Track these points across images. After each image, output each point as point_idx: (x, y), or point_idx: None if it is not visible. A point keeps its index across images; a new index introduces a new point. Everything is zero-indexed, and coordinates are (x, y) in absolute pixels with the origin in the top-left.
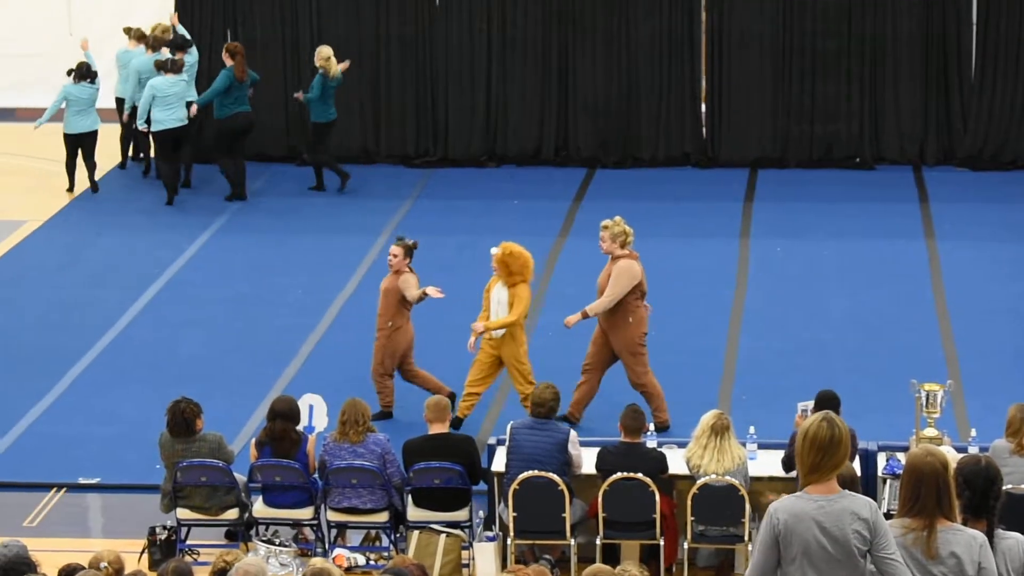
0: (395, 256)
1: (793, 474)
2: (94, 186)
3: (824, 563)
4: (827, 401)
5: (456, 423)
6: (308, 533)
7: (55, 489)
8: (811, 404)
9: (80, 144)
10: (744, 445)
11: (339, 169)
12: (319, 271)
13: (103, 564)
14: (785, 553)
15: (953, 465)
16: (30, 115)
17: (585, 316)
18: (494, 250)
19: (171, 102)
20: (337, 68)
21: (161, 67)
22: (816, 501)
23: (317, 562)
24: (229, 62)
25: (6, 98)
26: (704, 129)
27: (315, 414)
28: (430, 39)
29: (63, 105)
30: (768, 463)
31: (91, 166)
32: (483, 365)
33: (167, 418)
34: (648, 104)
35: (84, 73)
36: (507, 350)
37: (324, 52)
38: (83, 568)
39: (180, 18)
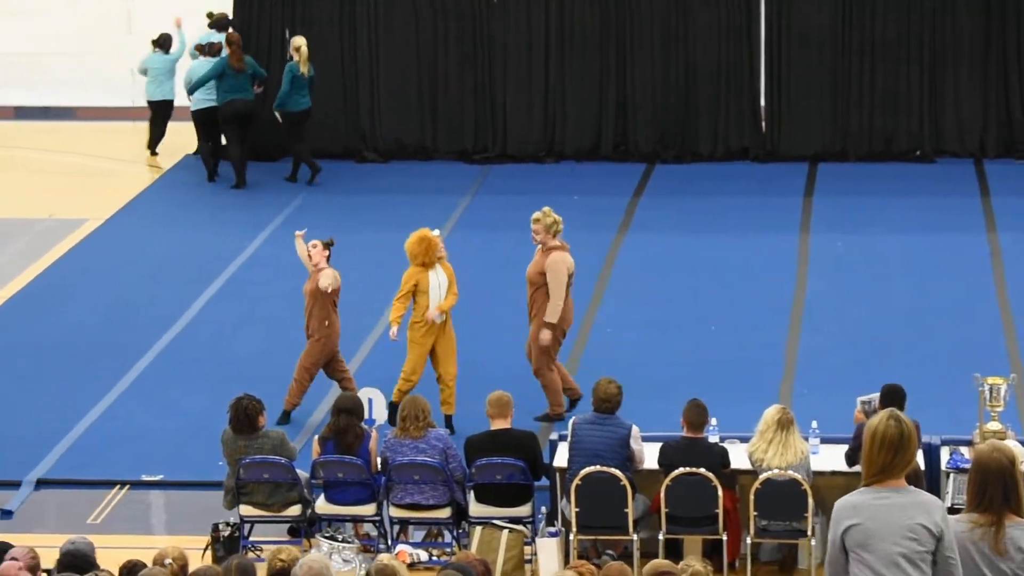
0: (315, 247)
1: (856, 468)
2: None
3: (887, 560)
4: (892, 394)
5: (448, 422)
6: (368, 529)
7: (118, 486)
8: (873, 397)
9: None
10: (806, 439)
11: (311, 161)
12: (377, 268)
13: (167, 561)
14: (849, 548)
15: (1020, 460)
16: (89, 114)
17: (550, 326)
18: (435, 232)
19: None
20: (307, 61)
21: (200, 50)
22: (879, 495)
23: (383, 558)
24: (225, 51)
25: (66, 97)
26: (763, 123)
27: (375, 407)
28: (488, 34)
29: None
30: (830, 457)
31: (158, 133)
32: (423, 354)
33: (230, 415)
34: (707, 99)
35: (160, 43)
36: (448, 328)
37: (295, 43)
38: (145, 565)
39: (238, 16)
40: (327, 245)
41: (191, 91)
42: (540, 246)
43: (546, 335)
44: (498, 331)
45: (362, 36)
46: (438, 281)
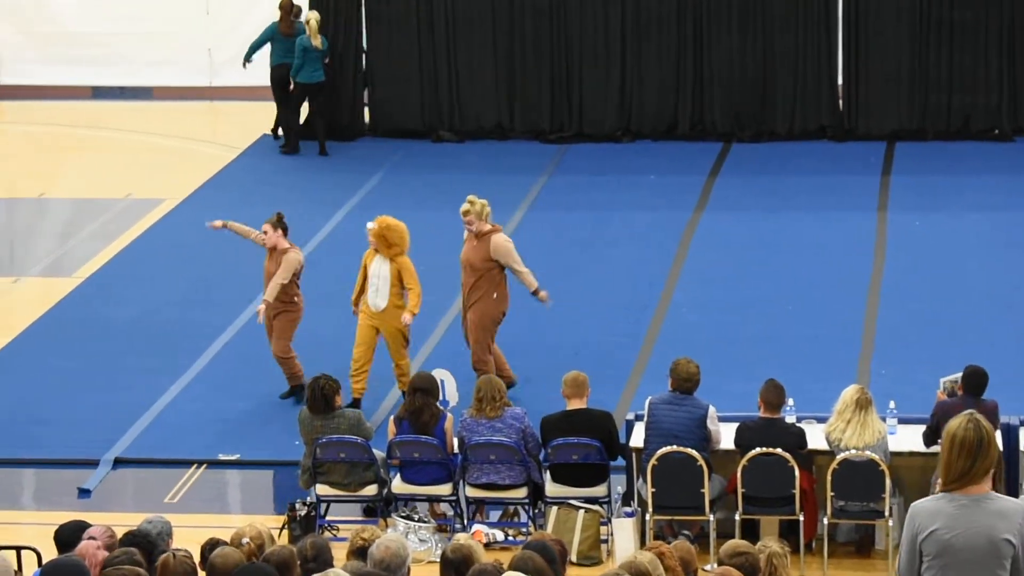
0: (266, 232)
1: (934, 449)
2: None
3: (963, 567)
4: (974, 376)
5: (355, 404)
6: (444, 508)
7: (195, 465)
8: (955, 378)
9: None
10: (884, 420)
11: (295, 135)
12: (455, 247)
13: (245, 540)
14: (925, 555)
15: None
16: (166, 94)
17: (539, 290)
18: (371, 224)
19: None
20: (317, 34)
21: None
22: (957, 502)
23: (460, 538)
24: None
25: (143, 77)
26: (840, 102)
27: (447, 389)
28: (564, 13)
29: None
30: (908, 438)
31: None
32: (366, 339)
33: (307, 395)
34: (784, 77)
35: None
36: (395, 322)
37: (305, 16)
38: (224, 543)
39: None
40: (279, 222)
41: (245, 57)
42: (474, 233)
43: (544, 294)
44: (572, 310)
45: (439, 15)
46: (378, 271)
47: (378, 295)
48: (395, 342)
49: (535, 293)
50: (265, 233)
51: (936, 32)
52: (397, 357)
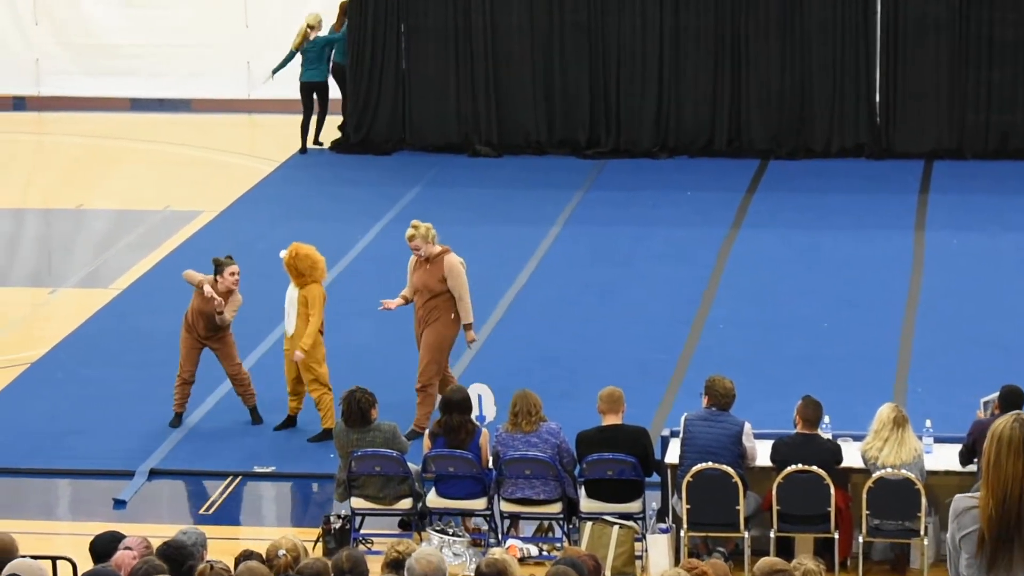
0: (233, 275)
1: (970, 468)
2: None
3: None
4: (1011, 395)
5: (291, 421)
6: (477, 523)
7: (230, 477)
8: (994, 397)
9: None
10: (920, 438)
11: (307, 134)
12: (492, 262)
13: (281, 552)
14: (965, 552)
15: None
16: (205, 106)
17: (469, 327)
18: (282, 253)
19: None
20: (301, 35)
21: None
22: None
23: (495, 552)
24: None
25: (182, 89)
26: (878, 119)
27: (484, 403)
28: (603, 28)
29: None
30: (944, 457)
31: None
32: (290, 363)
33: (342, 408)
34: (821, 94)
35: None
36: (310, 355)
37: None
38: (258, 556)
39: (354, 7)
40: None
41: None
42: (423, 258)
43: (471, 335)
44: (613, 325)
45: (477, 29)
46: (290, 296)
47: (288, 322)
48: (305, 372)
49: (466, 327)
50: (234, 277)
51: (975, 51)
52: (310, 388)
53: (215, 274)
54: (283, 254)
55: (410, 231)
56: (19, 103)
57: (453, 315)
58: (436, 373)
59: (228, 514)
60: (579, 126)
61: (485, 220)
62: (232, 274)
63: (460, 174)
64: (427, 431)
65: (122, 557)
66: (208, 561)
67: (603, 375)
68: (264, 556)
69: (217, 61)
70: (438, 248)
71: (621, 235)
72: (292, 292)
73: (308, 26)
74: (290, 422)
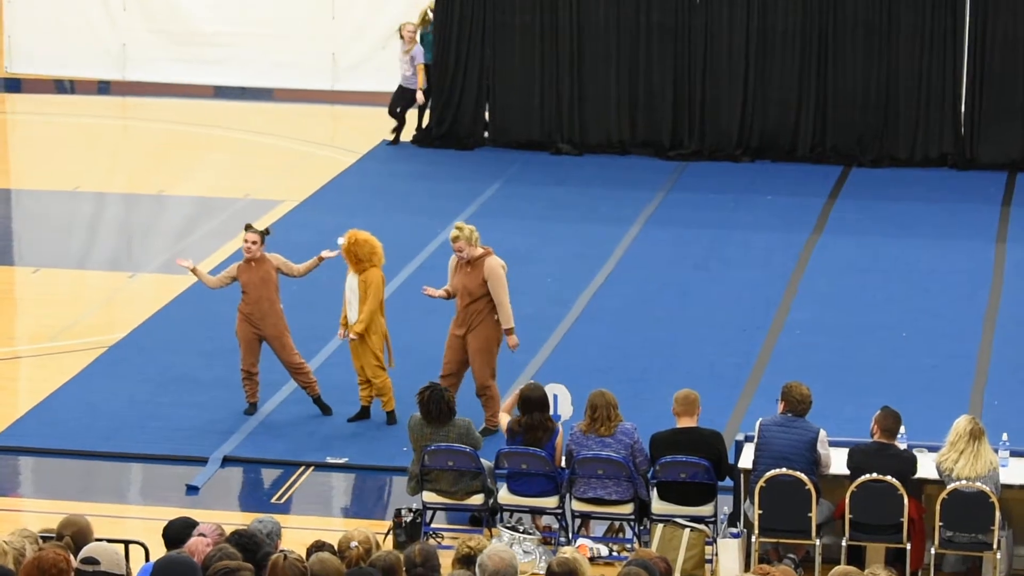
0: (255, 244)
1: None
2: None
3: None
4: None
5: (365, 412)
6: (548, 521)
7: (303, 467)
8: None
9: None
10: (996, 452)
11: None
12: (570, 260)
13: (353, 544)
14: None
15: None
16: (287, 96)
17: (510, 332)
18: (340, 240)
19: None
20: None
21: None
22: None
23: (566, 551)
24: None
25: (266, 78)
26: (963, 129)
27: (560, 403)
28: (689, 30)
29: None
30: (1020, 471)
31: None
32: (355, 350)
33: (422, 403)
34: (907, 103)
35: None
36: (369, 338)
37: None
38: (330, 546)
39: (438, 4)
40: (264, 236)
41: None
42: (465, 260)
43: (514, 339)
44: (690, 327)
45: (563, 27)
46: (351, 285)
47: (351, 309)
48: (369, 356)
49: (507, 332)
50: (253, 243)
51: None
52: (372, 375)
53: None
54: (341, 241)
55: (454, 232)
56: (104, 87)
57: (496, 317)
58: (491, 375)
59: (300, 504)
60: (662, 127)
61: (565, 218)
62: (245, 240)
63: (541, 171)
64: (507, 428)
65: (195, 544)
66: (282, 551)
67: (677, 377)
68: (336, 547)
69: (302, 51)
70: (480, 250)
71: (701, 237)
72: (351, 280)
73: (429, 9)
74: (364, 413)
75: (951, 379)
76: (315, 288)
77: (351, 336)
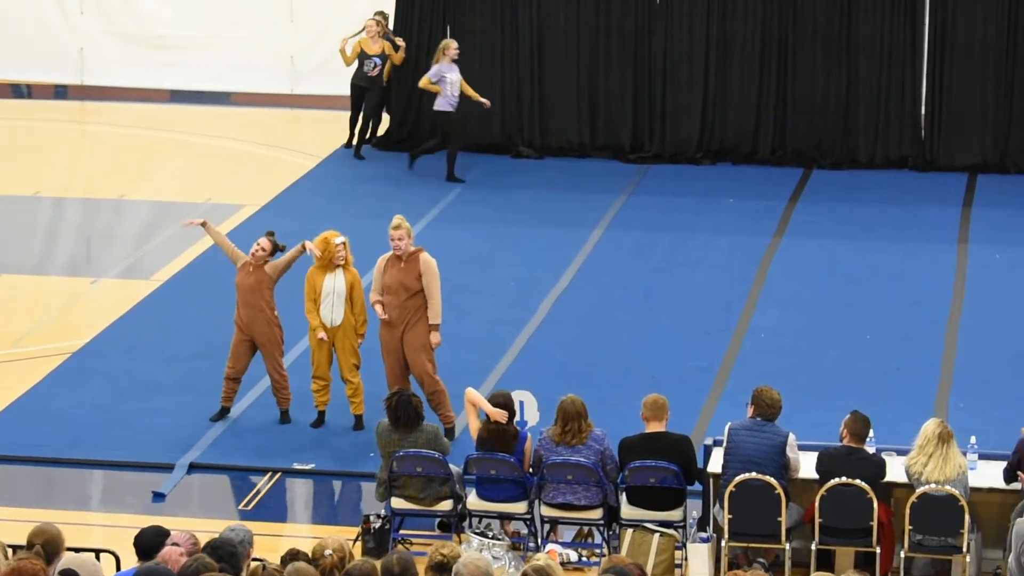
0: (263, 251)
1: (1014, 486)
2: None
3: None
4: None
5: (323, 418)
6: (517, 527)
7: (270, 473)
8: None
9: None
10: (964, 455)
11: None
12: (533, 264)
13: (328, 552)
14: None
15: None
16: (245, 100)
17: (436, 328)
18: (338, 240)
19: None
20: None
21: None
22: None
23: (539, 559)
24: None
25: (222, 82)
26: (923, 132)
27: (526, 409)
28: (649, 32)
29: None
30: (988, 474)
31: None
32: (326, 354)
33: (390, 410)
34: (867, 105)
35: None
36: (349, 333)
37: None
38: (305, 554)
39: (398, 6)
40: (274, 241)
41: None
42: (398, 253)
43: (437, 337)
44: (654, 331)
45: (524, 31)
46: (333, 285)
47: (333, 311)
48: (349, 357)
49: (433, 327)
50: (262, 250)
51: (1022, 67)
52: (348, 374)
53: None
54: (339, 240)
55: (395, 221)
56: (61, 91)
57: (429, 314)
58: (435, 369)
59: (267, 510)
60: (623, 130)
61: (526, 222)
62: (256, 243)
63: (502, 175)
64: (476, 436)
65: (169, 553)
66: (260, 561)
67: (643, 381)
68: (310, 555)
69: (261, 55)
70: (416, 247)
71: (663, 241)
72: (336, 281)
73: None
74: (322, 419)
75: (916, 382)
76: (290, 290)
77: (361, 340)
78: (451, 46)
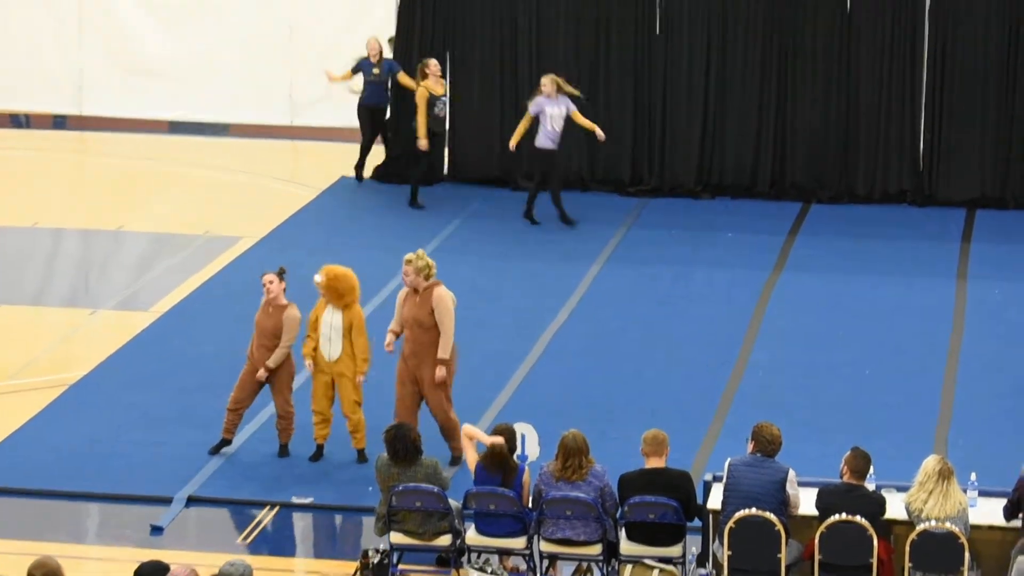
0: (271, 283)
1: (1014, 523)
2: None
3: None
4: None
5: (321, 451)
6: (516, 562)
7: (268, 507)
8: None
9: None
10: (964, 491)
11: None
12: (532, 297)
13: None
14: None
15: None
16: (244, 131)
17: (446, 362)
18: (318, 278)
19: None
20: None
21: None
22: None
23: None
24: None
25: (221, 113)
26: (922, 166)
27: (527, 443)
28: (648, 68)
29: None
30: (988, 511)
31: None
32: (324, 388)
33: (389, 443)
34: (866, 139)
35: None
36: (348, 369)
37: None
38: None
39: (398, 36)
40: (282, 276)
41: None
42: (412, 288)
43: (442, 372)
44: (654, 364)
45: (523, 63)
46: (331, 319)
47: (331, 346)
48: (349, 389)
49: (440, 362)
50: (271, 283)
51: (1021, 102)
52: (347, 408)
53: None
54: (318, 278)
55: (411, 256)
56: (60, 121)
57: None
58: (451, 405)
59: (266, 544)
60: (622, 164)
61: (526, 255)
62: (266, 283)
63: (502, 208)
64: (474, 467)
65: None
66: None
67: (642, 416)
68: None
69: (260, 86)
70: (428, 283)
71: (662, 274)
72: (332, 316)
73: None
74: (320, 452)
75: (915, 417)
76: None
77: (360, 380)
78: (544, 82)
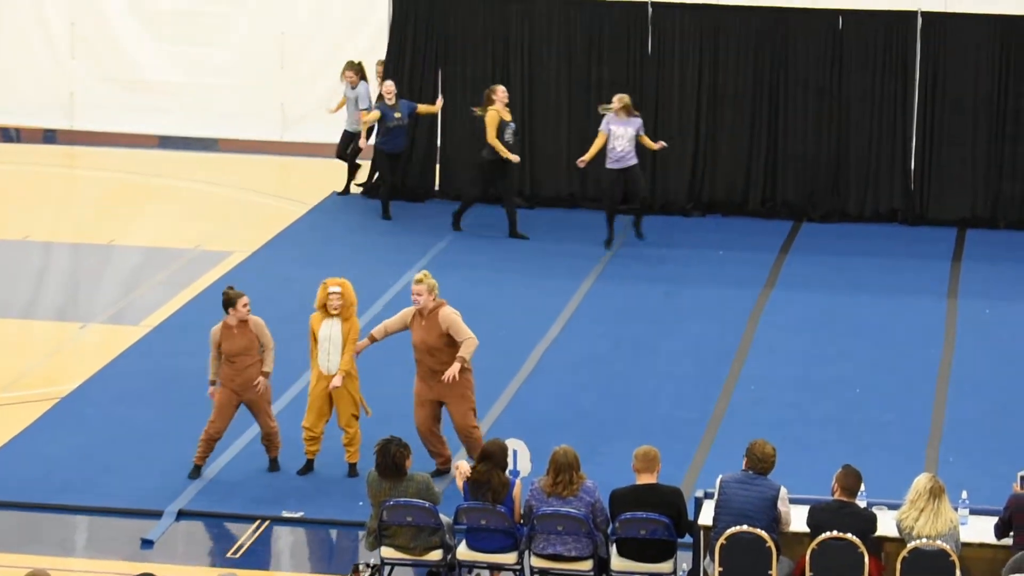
0: (245, 307)
1: (1005, 541)
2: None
3: None
4: None
5: (311, 466)
6: None
7: (259, 521)
8: None
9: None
10: (955, 509)
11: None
12: (523, 314)
13: None
14: None
15: None
16: (234, 146)
17: (464, 362)
18: (336, 288)
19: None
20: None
21: None
22: None
23: None
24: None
25: (211, 128)
26: (913, 186)
27: (519, 459)
28: (641, 85)
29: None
30: (979, 529)
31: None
32: (320, 402)
33: (377, 458)
34: (858, 159)
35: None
36: (349, 383)
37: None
38: None
39: (389, 55)
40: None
41: None
42: (418, 311)
43: (456, 367)
44: (645, 381)
45: (515, 82)
46: (329, 332)
47: (328, 358)
48: (348, 404)
49: (459, 359)
50: (245, 307)
51: (1012, 122)
52: (344, 422)
53: (226, 308)
54: (337, 288)
55: (420, 275)
56: (50, 135)
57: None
58: (473, 418)
59: (256, 558)
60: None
61: (517, 272)
62: (245, 305)
63: (492, 224)
64: (463, 482)
65: None
66: None
67: (633, 432)
68: None
69: (248, 102)
70: (437, 302)
71: (653, 292)
72: (331, 330)
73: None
74: (310, 466)
75: (906, 435)
76: (277, 338)
77: (336, 383)
78: (615, 99)
